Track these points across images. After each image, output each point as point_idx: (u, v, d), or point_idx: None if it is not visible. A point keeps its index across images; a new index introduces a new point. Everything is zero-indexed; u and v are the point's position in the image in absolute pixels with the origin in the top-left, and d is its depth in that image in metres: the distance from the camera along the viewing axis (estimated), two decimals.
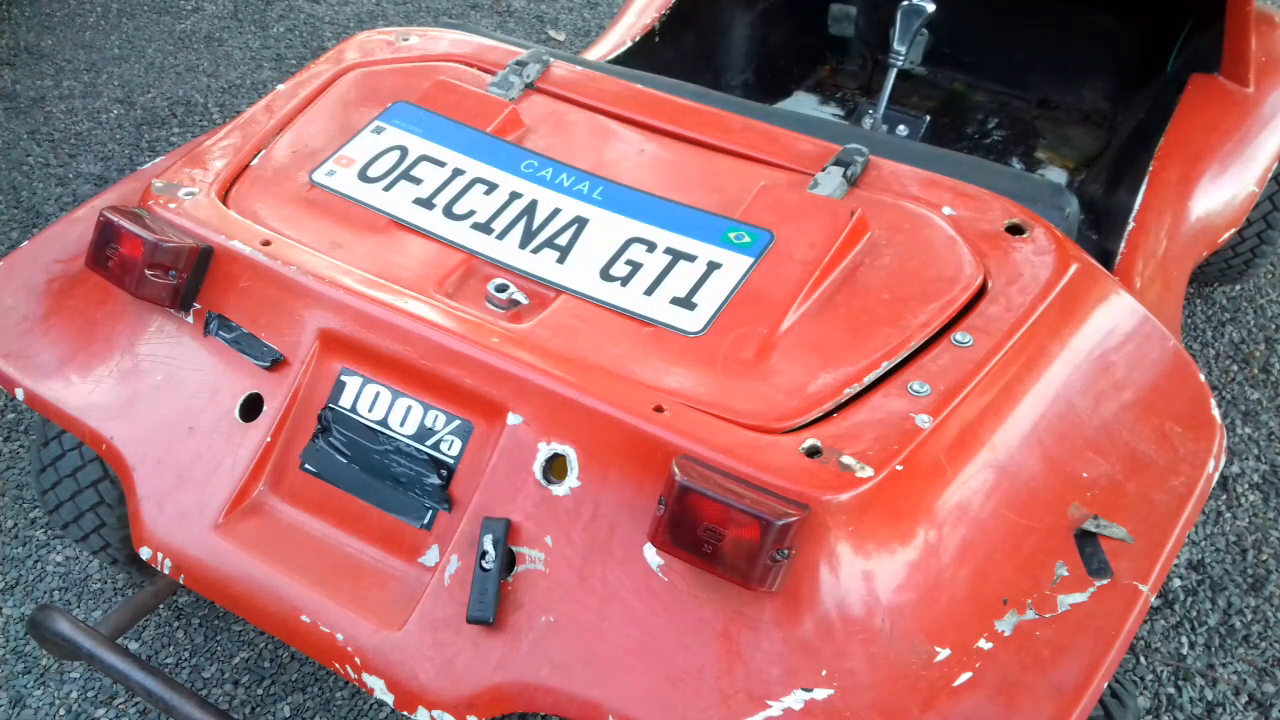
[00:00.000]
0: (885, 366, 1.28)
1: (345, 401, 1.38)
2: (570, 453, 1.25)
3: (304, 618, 1.30)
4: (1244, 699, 1.93)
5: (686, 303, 1.36)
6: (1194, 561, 2.16)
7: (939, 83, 2.84)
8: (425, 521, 1.33)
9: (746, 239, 1.41)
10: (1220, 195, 2.05)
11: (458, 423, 1.32)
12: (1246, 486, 2.31)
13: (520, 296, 1.38)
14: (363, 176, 1.56)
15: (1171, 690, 1.94)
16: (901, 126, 2.53)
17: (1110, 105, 2.70)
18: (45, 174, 3.13)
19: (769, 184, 1.50)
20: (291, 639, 1.33)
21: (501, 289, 1.38)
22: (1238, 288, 2.83)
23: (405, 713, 1.26)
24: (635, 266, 1.40)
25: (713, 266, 1.39)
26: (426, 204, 1.51)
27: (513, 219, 1.48)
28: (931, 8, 2.21)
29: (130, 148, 3.27)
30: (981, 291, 1.37)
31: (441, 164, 1.56)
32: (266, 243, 1.44)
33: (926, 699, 1.13)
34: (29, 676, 1.90)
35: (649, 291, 1.37)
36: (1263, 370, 2.60)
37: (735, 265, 1.39)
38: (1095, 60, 2.67)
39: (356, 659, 1.27)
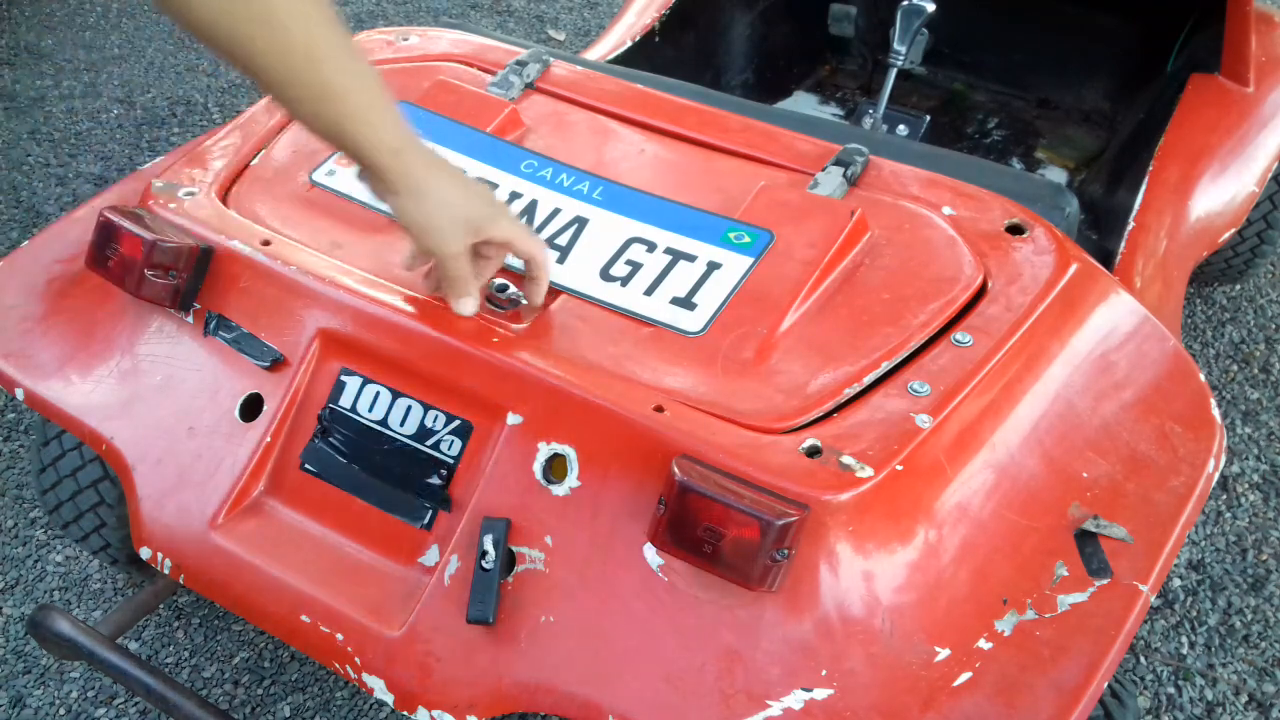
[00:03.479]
0: (885, 366, 1.28)
1: (345, 401, 1.38)
2: (570, 453, 1.25)
3: (304, 618, 1.31)
4: (1244, 699, 1.93)
5: (686, 303, 1.36)
6: (1194, 561, 2.16)
7: (939, 83, 2.84)
8: (425, 521, 1.33)
9: (746, 239, 1.41)
10: (1220, 195, 2.05)
11: (457, 423, 1.32)
12: (1246, 486, 2.31)
13: (520, 296, 1.38)
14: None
15: (1171, 690, 1.94)
16: (901, 126, 2.53)
17: (1110, 105, 2.70)
18: (45, 174, 3.13)
19: (769, 184, 1.50)
20: (291, 639, 1.33)
21: (502, 289, 1.38)
22: (1238, 288, 2.83)
23: (405, 713, 1.26)
24: (635, 266, 1.40)
25: (713, 266, 1.39)
26: None
27: None
28: (931, 8, 2.21)
29: (130, 148, 3.27)
30: (981, 291, 1.37)
31: None
32: (266, 243, 1.44)
33: (926, 699, 1.13)
34: (29, 676, 1.90)
35: (649, 291, 1.37)
36: (1263, 370, 2.60)
37: (735, 265, 1.39)
38: (1095, 60, 2.67)
39: (356, 659, 1.27)
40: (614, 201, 1.49)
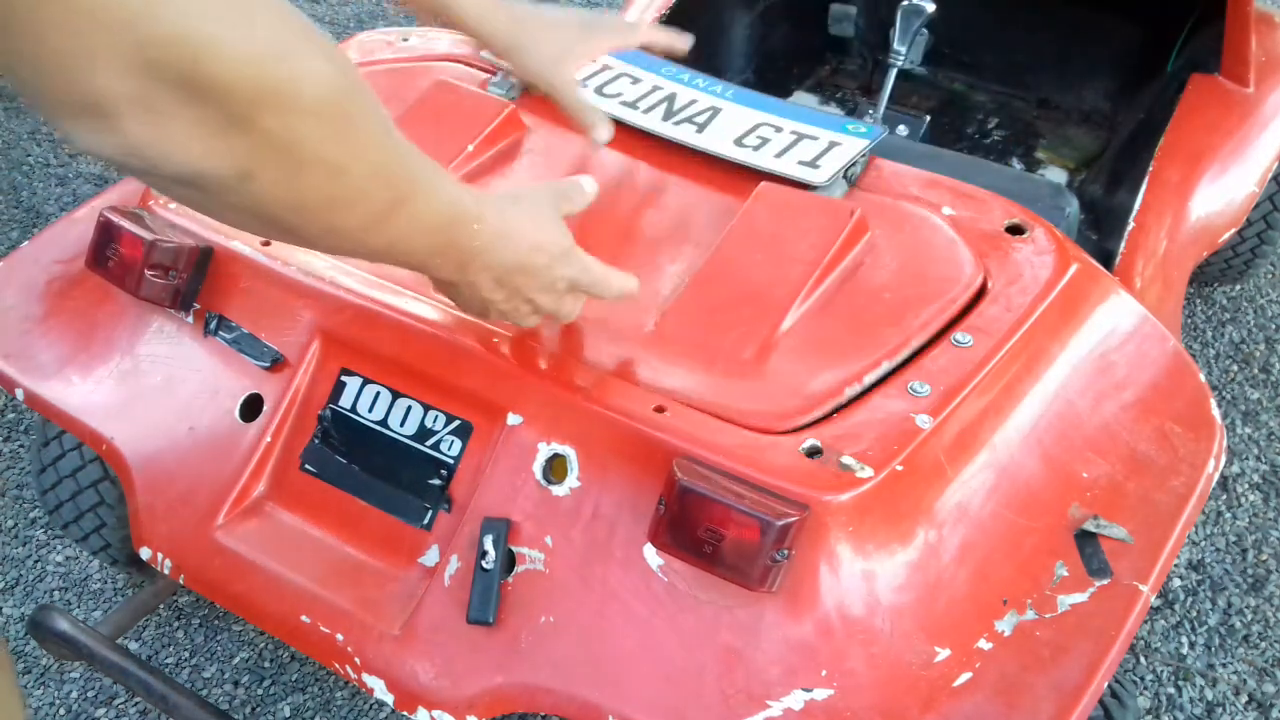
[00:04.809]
0: (885, 366, 1.28)
1: (345, 402, 1.38)
2: (570, 453, 1.25)
3: (304, 618, 1.30)
4: (1244, 699, 1.93)
5: (812, 164, 1.50)
6: (1194, 561, 2.16)
7: (939, 83, 2.84)
8: (425, 522, 1.33)
9: (863, 129, 1.57)
10: (1220, 195, 2.05)
11: (458, 423, 1.32)
12: (1246, 486, 2.31)
13: None
14: None
15: (1171, 690, 1.94)
16: (901, 127, 2.53)
17: (1110, 105, 2.70)
18: (45, 174, 3.13)
19: (769, 184, 1.50)
20: (291, 639, 1.32)
21: None
22: (1238, 288, 2.83)
23: (405, 713, 1.26)
24: (764, 140, 1.55)
25: (833, 144, 1.53)
26: None
27: None
28: (931, 8, 2.21)
29: None
30: (981, 292, 1.37)
31: None
32: (267, 243, 1.44)
33: (926, 699, 1.13)
34: (29, 676, 1.90)
35: (779, 155, 1.52)
36: (1263, 370, 2.60)
37: (852, 144, 1.53)
38: (1095, 60, 2.66)
39: (356, 659, 1.27)
40: (742, 98, 1.64)
